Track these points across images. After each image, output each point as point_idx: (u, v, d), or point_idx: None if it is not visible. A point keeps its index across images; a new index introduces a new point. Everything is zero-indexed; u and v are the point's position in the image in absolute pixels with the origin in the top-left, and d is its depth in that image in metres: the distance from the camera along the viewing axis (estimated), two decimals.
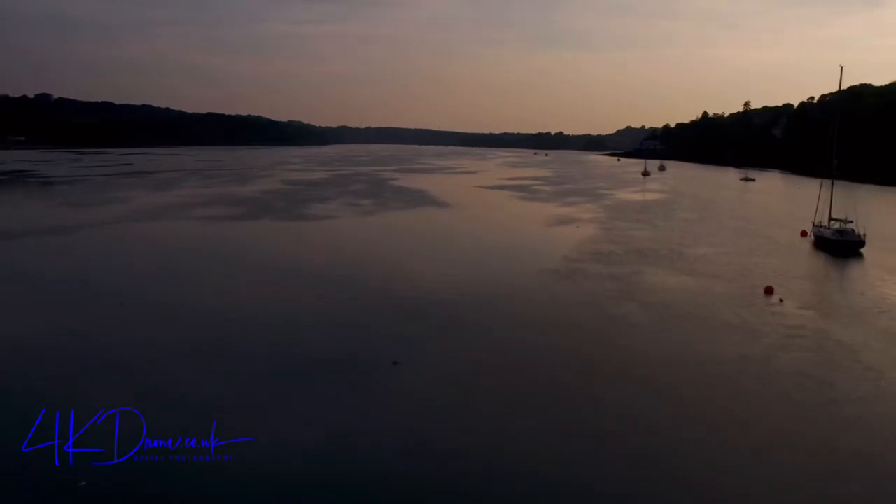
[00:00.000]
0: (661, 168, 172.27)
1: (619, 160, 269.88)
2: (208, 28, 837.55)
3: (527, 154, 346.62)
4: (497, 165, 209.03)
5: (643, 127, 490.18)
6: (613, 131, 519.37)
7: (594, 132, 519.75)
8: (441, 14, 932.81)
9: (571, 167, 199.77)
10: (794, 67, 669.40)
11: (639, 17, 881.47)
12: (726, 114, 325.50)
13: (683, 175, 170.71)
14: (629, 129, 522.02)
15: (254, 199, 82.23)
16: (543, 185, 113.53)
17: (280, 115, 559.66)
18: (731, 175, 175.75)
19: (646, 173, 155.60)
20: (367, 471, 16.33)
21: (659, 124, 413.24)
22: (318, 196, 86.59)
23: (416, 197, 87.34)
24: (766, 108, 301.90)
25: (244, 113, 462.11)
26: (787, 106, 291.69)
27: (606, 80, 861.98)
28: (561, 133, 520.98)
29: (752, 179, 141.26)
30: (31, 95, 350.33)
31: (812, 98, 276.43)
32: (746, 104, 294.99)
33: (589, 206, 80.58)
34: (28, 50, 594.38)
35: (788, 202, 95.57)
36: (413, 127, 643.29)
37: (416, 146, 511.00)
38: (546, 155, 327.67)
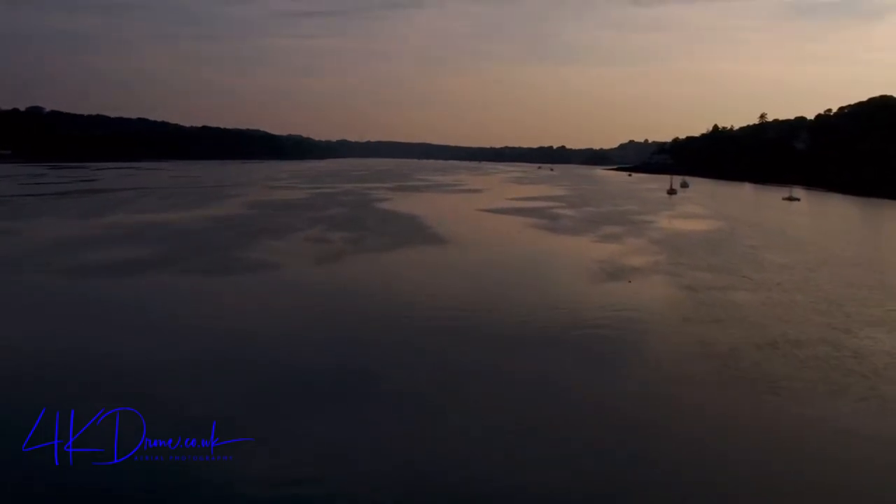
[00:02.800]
0: (684, 185, 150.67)
1: (630, 175, 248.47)
2: (206, 42, 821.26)
3: (530, 169, 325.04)
4: (502, 182, 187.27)
5: (646, 141, 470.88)
6: (616, 145, 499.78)
7: (596, 146, 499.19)
8: (440, 28, 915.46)
9: (583, 184, 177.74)
10: (794, 82, 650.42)
11: (636, 32, 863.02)
12: (735, 127, 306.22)
13: (710, 192, 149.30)
14: (632, 142, 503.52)
15: (192, 231, 60.54)
16: (563, 208, 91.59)
17: (280, 129, 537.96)
18: (761, 192, 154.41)
19: (672, 192, 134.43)
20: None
21: (661, 138, 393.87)
22: (278, 226, 64.86)
23: (405, 227, 65.56)
24: (776, 122, 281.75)
25: (243, 127, 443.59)
26: (800, 119, 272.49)
27: (606, 93, 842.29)
28: (563, 147, 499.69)
29: (797, 199, 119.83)
30: (22, 108, 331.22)
31: (829, 110, 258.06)
32: (762, 116, 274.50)
33: (634, 241, 58.82)
34: (23, 64, 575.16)
35: (871, 231, 74.13)
36: (413, 141, 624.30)
37: (415, 160, 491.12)
38: (552, 170, 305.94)
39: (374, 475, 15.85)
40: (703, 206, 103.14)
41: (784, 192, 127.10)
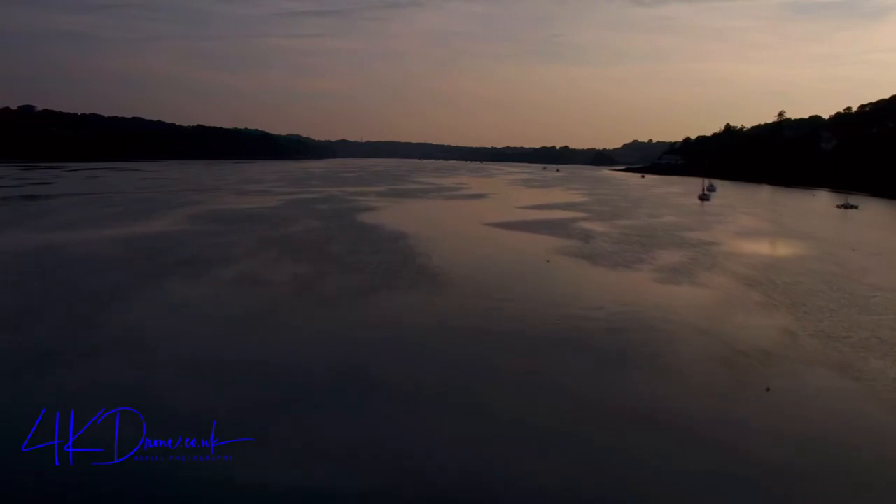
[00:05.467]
0: (711, 189, 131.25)
1: (643, 177, 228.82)
2: (207, 42, 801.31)
3: (535, 169, 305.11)
4: (507, 184, 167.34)
5: (650, 141, 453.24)
6: (620, 145, 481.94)
7: (599, 146, 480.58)
8: (441, 28, 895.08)
9: (598, 187, 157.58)
10: (796, 82, 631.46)
11: (638, 33, 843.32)
12: (745, 126, 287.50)
13: (742, 197, 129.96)
14: (636, 142, 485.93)
15: (80, 262, 41.21)
16: (589, 221, 72.08)
17: (279, 129, 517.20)
18: (795, 196, 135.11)
19: (704, 197, 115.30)
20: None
21: (665, 138, 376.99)
22: (210, 253, 45.47)
23: (386, 255, 46.10)
24: (789, 120, 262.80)
25: (241, 127, 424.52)
26: (815, 117, 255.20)
27: (608, 93, 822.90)
28: (566, 147, 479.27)
29: (855, 207, 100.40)
30: (13, 107, 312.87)
31: (849, 108, 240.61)
32: (780, 114, 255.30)
33: (714, 280, 39.42)
34: (19, 62, 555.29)
35: None
36: (413, 141, 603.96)
37: (415, 160, 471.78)
38: (558, 170, 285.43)
39: None
40: (756, 217, 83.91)
41: (809, 194, 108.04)
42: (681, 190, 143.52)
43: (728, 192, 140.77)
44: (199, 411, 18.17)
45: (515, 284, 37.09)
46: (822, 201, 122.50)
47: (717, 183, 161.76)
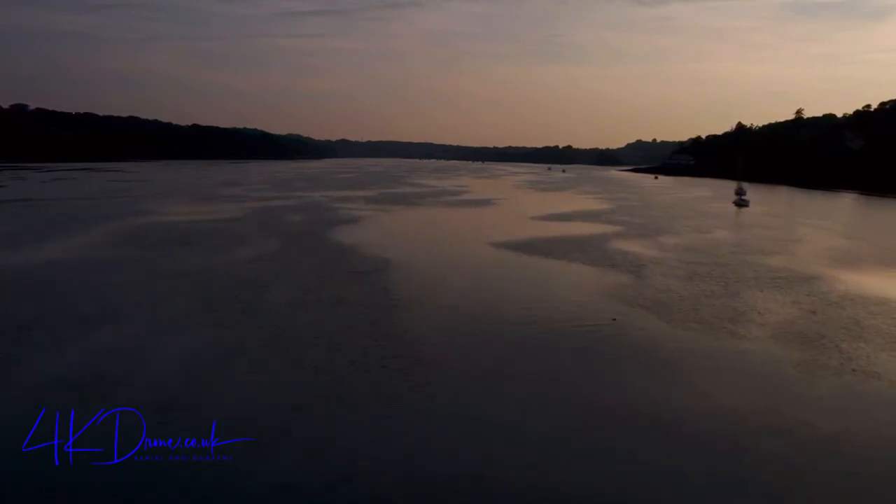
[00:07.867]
0: (742, 192, 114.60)
1: (656, 178, 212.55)
2: (207, 42, 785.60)
3: (539, 169, 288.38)
4: (514, 187, 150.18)
5: (654, 140, 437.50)
6: (623, 145, 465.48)
7: (602, 146, 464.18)
8: (442, 28, 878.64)
9: (613, 190, 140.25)
10: (798, 82, 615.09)
11: (638, 33, 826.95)
12: (755, 125, 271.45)
13: (779, 203, 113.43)
14: (639, 142, 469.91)
15: None
16: (627, 238, 55.21)
17: (279, 129, 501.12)
18: (830, 199, 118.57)
19: (742, 203, 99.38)
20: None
21: (668, 137, 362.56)
22: (81, 307, 28.70)
23: (349, 308, 29.17)
24: (802, 119, 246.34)
25: (240, 126, 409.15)
26: (829, 116, 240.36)
27: (609, 93, 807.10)
28: (569, 146, 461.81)
29: None
30: (6, 105, 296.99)
31: (868, 106, 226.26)
32: (798, 111, 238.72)
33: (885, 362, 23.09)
34: (19, 63, 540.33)
35: None
36: (414, 141, 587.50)
37: (416, 160, 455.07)
38: (564, 171, 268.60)
39: None
40: (825, 231, 67.18)
41: (849, 198, 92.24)
42: (706, 193, 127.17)
43: (756, 196, 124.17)
44: None
45: (570, 388, 20.38)
46: (875, 207, 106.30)
47: (728, 184, 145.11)
